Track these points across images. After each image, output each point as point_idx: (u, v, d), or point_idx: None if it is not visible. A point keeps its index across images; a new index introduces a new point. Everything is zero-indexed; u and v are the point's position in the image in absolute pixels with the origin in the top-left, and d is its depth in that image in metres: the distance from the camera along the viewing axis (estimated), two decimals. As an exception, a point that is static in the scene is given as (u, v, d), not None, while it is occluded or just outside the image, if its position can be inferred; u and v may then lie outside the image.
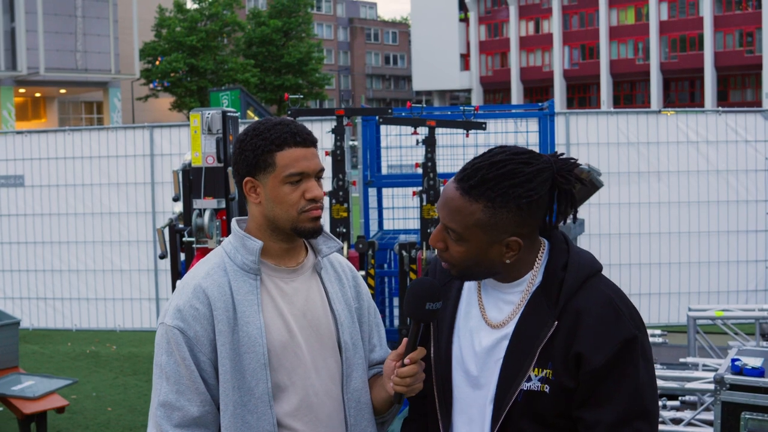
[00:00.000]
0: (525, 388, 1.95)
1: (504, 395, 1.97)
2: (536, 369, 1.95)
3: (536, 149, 7.28)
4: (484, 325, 2.06)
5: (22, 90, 37.93)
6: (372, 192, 8.51)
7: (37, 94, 40.30)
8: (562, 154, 2.04)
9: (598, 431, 1.92)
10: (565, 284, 1.97)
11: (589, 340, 1.91)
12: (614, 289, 2.01)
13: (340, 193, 6.41)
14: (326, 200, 6.37)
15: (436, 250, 2.08)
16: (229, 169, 5.55)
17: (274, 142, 2.13)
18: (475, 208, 1.93)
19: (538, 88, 61.72)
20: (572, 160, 2.03)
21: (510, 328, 2.00)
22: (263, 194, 2.17)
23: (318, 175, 2.19)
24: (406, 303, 2.07)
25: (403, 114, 7.42)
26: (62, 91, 40.19)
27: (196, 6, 48.00)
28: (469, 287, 2.14)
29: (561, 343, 1.94)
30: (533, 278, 2.02)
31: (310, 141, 2.17)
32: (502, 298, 2.05)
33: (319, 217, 2.19)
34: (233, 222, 2.27)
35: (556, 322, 1.95)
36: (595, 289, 1.98)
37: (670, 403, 5.14)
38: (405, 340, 2.10)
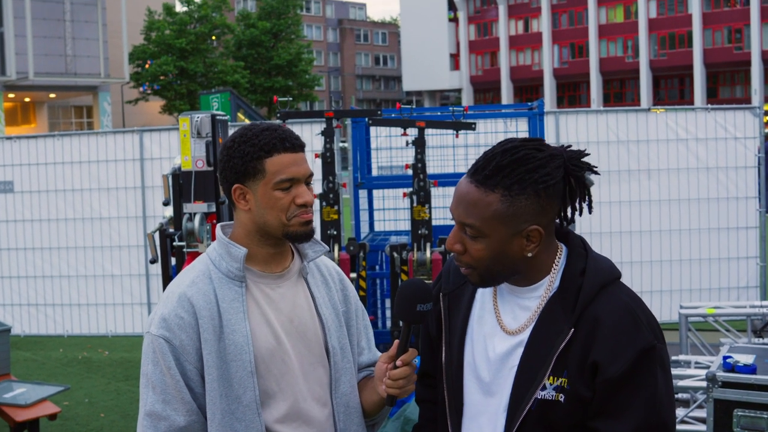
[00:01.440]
0: (539, 397, 1.90)
1: (518, 404, 1.92)
2: (551, 377, 1.89)
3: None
4: (500, 330, 2.00)
5: (11, 95, 37.78)
6: (362, 194, 8.51)
7: (27, 99, 40.16)
8: (570, 146, 2.00)
9: None
10: (582, 290, 1.91)
11: (607, 349, 1.86)
12: (633, 296, 1.96)
13: (331, 196, 6.40)
14: (317, 202, 6.36)
15: (453, 254, 2.00)
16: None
17: (263, 148, 2.11)
18: (493, 198, 1.87)
19: (528, 87, 61.80)
20: (582, 150, 1.99)
21: (525, 335, 1.95)
22: (253, 201, 2.15)
23: (308, 180, 2.18)
24: (397, 305, 2.05)
25: (393, 115, 7.42)
26: (52, 95, 40.04)
27: (185, 9, 47.92)
28: (483, 292, 2.09)
29: (577, 352, 1.88)
30: (551, 283, 1.96)
31: (298, 146, 2.16)
32: (518, 304, 1.99)
33: (310, 221, 2.18)
34: (217, 228, 2.25)
35: (573, 330, 1.89)
36: (614, 296, 1.92)
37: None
38: (396, 342, 2.08)
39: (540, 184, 1.87)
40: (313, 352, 2.22)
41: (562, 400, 1.89)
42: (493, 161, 1.89)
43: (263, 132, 2.14)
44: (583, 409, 1.89)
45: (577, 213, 2.02)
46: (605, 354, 1.86)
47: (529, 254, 1.92)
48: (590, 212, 2.01)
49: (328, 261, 2.41)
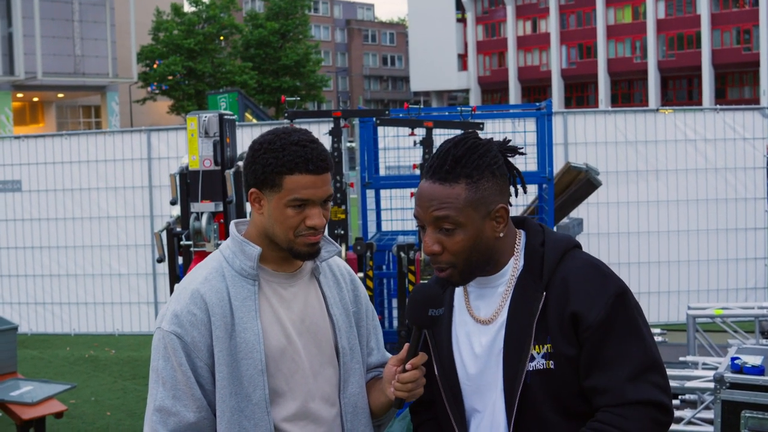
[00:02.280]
0: (531, 369, 1.96)
1: (512, 382, 1.97)
2: (537, 346, 1.97)
3: (534, 149, 7.29)
4: (479, 325, 2.07)
5: (19, 95, 37.86)
6: (370, 193, 8.48)
7: (35, 99, 40.25)
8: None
9: (615, 392, 1.90)
10: (545, 257, 2.04)
11: (582, 299, 1.96)
12: (594, 258, 2.08)
13: (338, 195, 6.40)
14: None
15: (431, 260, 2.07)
16: (227, 171, 5.54)
17: (285, 165, 2.08)
18: (459, 189, 1.97)
19: (535, 88, 61.71)
20: (505, 138, 2.15)
21: (503, 317, 2.03)
22: (266, 209, 2.14)
23: (325, 200, 2.15)
24: (408, 309, 2.06)
25: (401, 115, 7.41)
26: (60, 95, 40.13)
27: (193, 9, 48.00)
28: (458, 296, 2.15)
29: (554, 313, 1.97)
30: (516, 263, 2.07)
31: (323, 168, 2.12)
32: (490, 293, 2.07)
33: (316, 243, 2.16)
34: (232, 225, 2.25)
35: (545, 293, 1.98)
36: (576, 258, 2.05)
37: (670, 402, 5.11)
38: (406, 345, 2.09)
39: (493, 166, 2.01)
40: (324, 352, 2.23)
41: (552, 366, 1.96)
42: (449, 156, 2.00)
43: (291, 146, 2.09)
44: (575, 372, 1.95)
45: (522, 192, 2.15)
46: (581, 303, 1.95)
47: (501, 234, 2.03)
48: (524, 191, 2.16)
49: (340, 261, 2.41)
